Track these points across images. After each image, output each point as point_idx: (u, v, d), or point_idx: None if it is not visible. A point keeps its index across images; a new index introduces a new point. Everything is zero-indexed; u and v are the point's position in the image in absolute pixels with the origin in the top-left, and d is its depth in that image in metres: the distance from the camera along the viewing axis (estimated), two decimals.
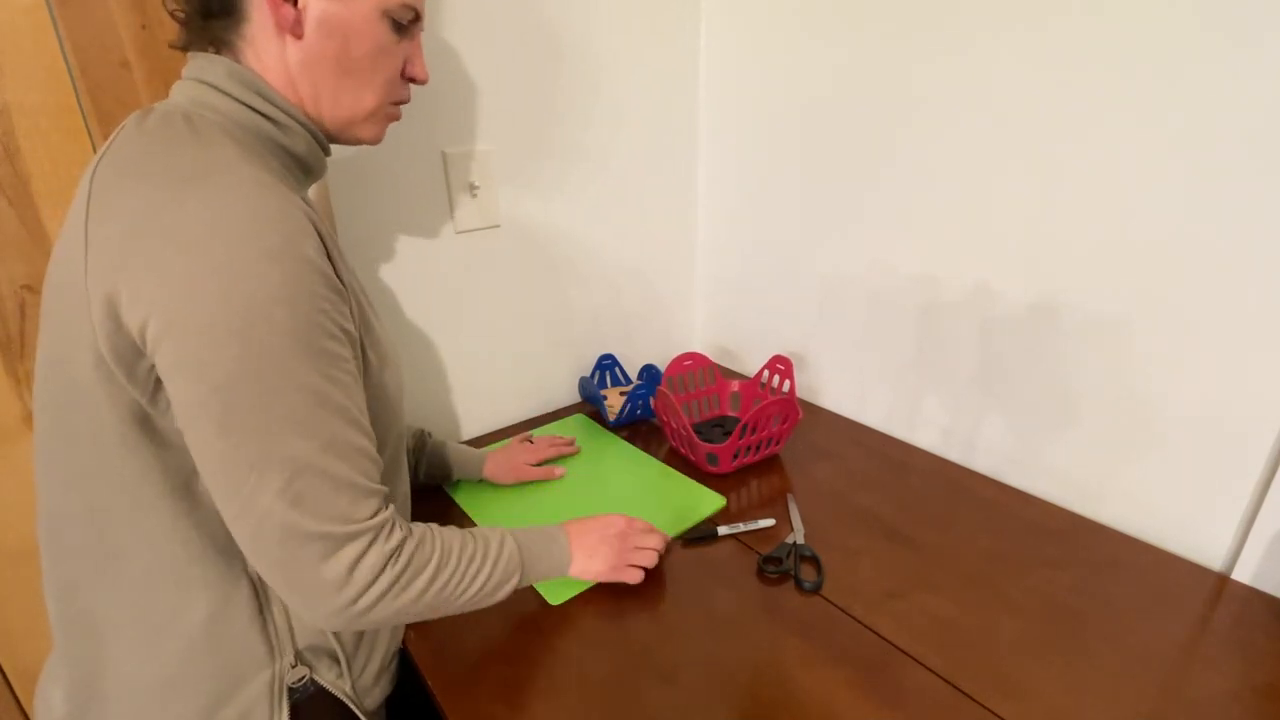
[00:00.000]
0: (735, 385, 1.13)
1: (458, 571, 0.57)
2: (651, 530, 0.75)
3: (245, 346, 0.46)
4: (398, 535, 0.53)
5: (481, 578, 0.59)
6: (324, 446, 0.48)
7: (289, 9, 0.53)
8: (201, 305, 0.45)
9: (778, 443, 0.97)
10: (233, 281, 0.45)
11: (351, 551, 0.50)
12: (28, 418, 0.84)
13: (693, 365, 1.08)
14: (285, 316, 0.46)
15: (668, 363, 1.08)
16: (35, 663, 0.92)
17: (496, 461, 0.94)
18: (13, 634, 0.90)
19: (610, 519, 0.72)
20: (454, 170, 0.95)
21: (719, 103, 1.18)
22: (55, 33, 0.74)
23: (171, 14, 0.56)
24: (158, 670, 0.54)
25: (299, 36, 0.54)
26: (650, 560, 0.73)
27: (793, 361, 1.00)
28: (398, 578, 0.52)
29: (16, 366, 0.82)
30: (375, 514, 0.51)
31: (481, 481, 0.93)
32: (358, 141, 0.63)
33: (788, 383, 1.01)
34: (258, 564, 0.51)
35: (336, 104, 0.58)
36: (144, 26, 0.77)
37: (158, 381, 0.48)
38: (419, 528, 0.57)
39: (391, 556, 0.52)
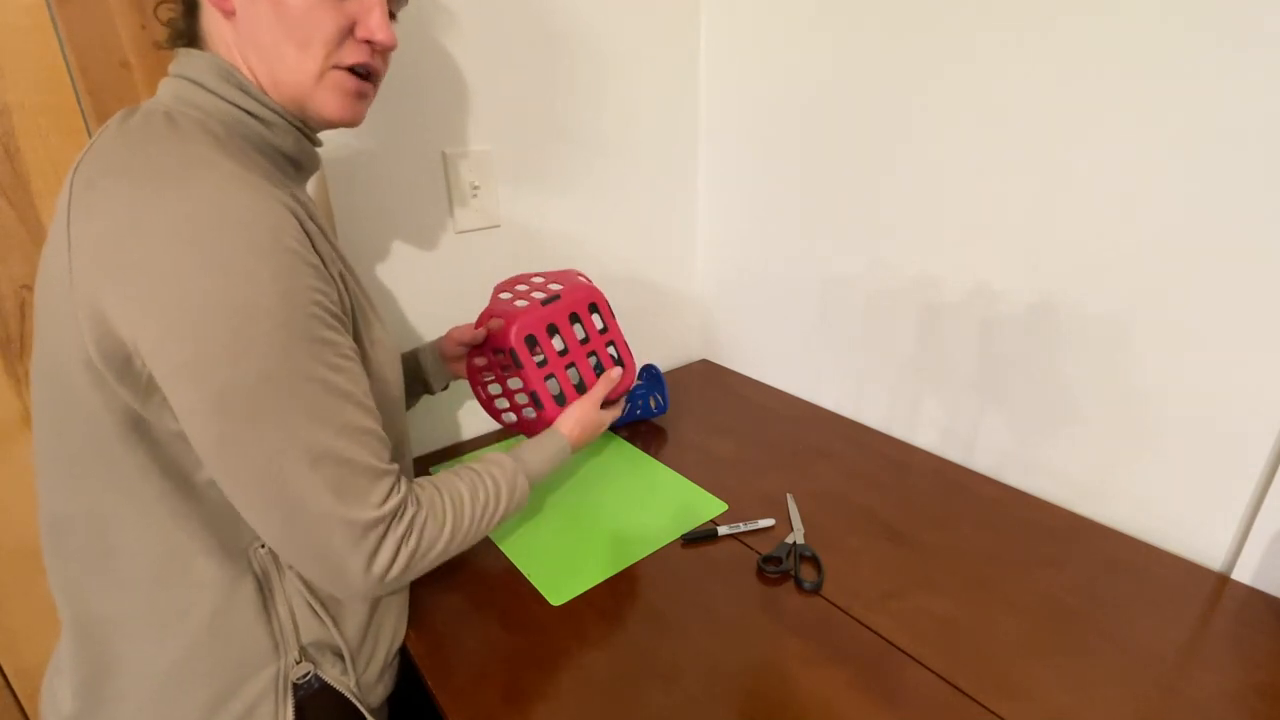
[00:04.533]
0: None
1: (474, 521, 0.62)
2: (607, 392, 0.82)
3: (245, 345, 0.46)
4: (408, 515, 0.55)
5: (500, 511, 0.65)
6: (337, 433, 0.50)
7: None
8: (192, 308, 0.45)
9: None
10: (222, 281, 0.45)
11: (372, 539, 0.52)
12: (28, 418, 0.84)
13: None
14: (279, 311, 0.47)
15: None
16: (35, 662, 0.92)
17: (444, 349, 0.89)
18: (13, 634, 0.90)
19: (586, 411, 0.79)
20: (454, 170, 0.95)
21: (719, 102, 1.18)
22: (55, 33, 0.74)
23: (154, 10, 0.56)
24: (163, 666, 0.54)
25: (231, 12, 0.53)
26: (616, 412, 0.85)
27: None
28: (413, 554, 0.55)
29: (16, 366, 0.82)
30: (388, 497, 0.53)
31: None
32: (326, 120, 0.58)
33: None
34: (286, 551, 0.52)
35: (282, 78, 0.54)
36: (144, 26, 0.77)
37: (149, 384, 0.48)
38: (428, 493, 0.59)
39: (404, 538, 0.54)
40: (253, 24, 0.53)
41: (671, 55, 1.15)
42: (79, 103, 0.77)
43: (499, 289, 0.87)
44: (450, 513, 0.59)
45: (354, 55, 0.56)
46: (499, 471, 0.66)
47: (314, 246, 0.51)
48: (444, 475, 0.63)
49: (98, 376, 0.48)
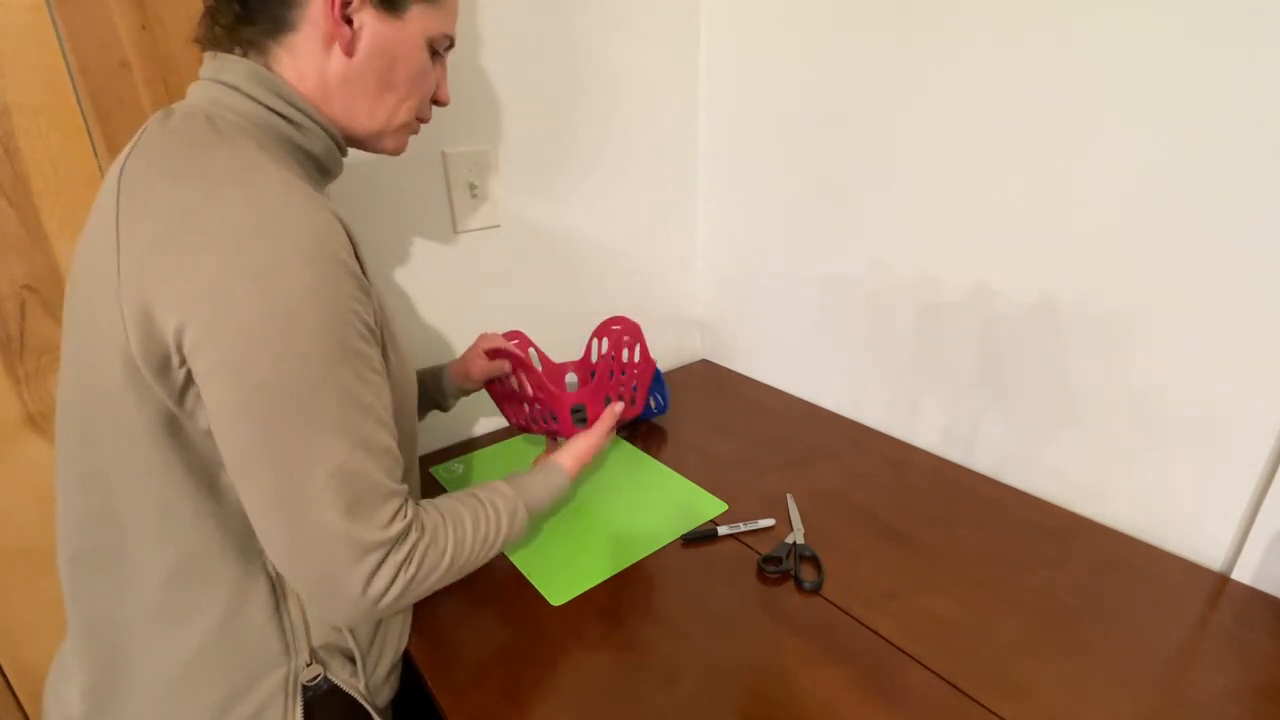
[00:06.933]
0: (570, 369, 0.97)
1: (474, 550, 0.61)
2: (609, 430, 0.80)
3: (285, 346, 0.46)
4: (410, 540, 0.54)
5: (499, 541, 0.64)
6: (355, 446, 0.50)
7: (346, 30, 0.54)
8: (240, 307, 0.45)
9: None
10: (270, 282, 0.46)
11: (372, 560, 0.51)
12: (28, 418, 0.84)
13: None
14: (321, 316, 0.47)
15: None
16: (36, 662, 0.92)
17: (456, 371, 0.90)
18: (13, 634, 0.90)
19: (591, 444, 0.77)
20: (454, 170, 0.95)
21: (719, 102, 1.18)
22: (55, 33, 0.74)
23: (209, 10, 0.56)
24: (174, 667, 0.54)
25: (350, 55, 0.56)
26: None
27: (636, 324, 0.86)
28: (410, 580, 0.54)
29: (16, 366, 0.82)
30: (393, 519, 0.52)
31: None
32: (381, 150, 0.64)
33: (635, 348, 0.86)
34: (286, 560, 0.51)
35: (371, 117, 0.60)
36: (144, 26, 0.77)
37: (186, 383, 0.49)
38: (431, 518, 0.57)
39: (403, 564, 0.53)
40: (367, 69, 0.57)
41: (672, 55, 1.15)
42: (79, 103, 0.77)
43: (600, 332, 0.87)
44: (452, 540, 0.58)
45: (427, 112, 0.65)
46: (501, 501, 0.65)
47: (355, 254, 0.52)
48: (448, 501, 0.62)
49: (135, 374, 0.48)
